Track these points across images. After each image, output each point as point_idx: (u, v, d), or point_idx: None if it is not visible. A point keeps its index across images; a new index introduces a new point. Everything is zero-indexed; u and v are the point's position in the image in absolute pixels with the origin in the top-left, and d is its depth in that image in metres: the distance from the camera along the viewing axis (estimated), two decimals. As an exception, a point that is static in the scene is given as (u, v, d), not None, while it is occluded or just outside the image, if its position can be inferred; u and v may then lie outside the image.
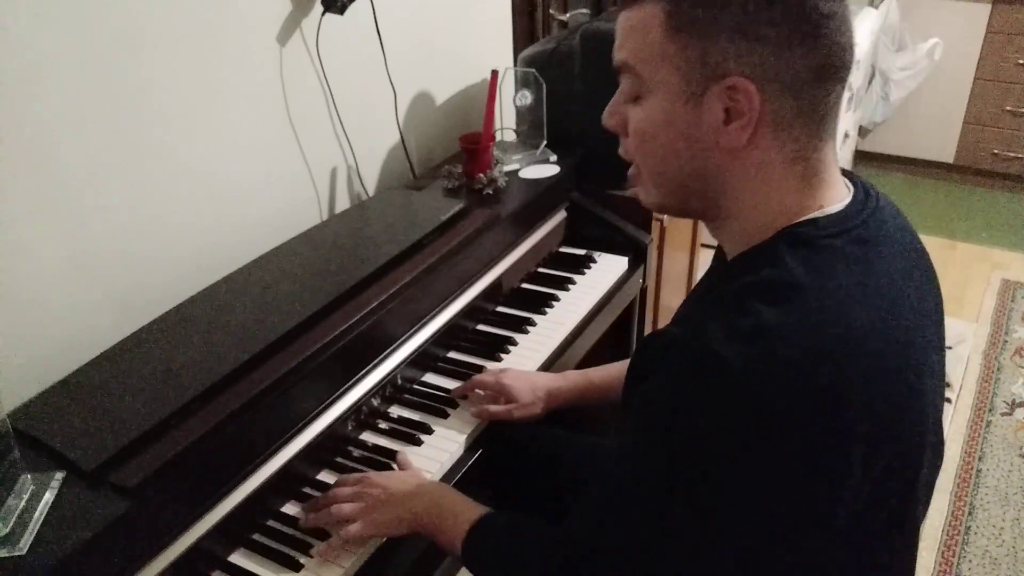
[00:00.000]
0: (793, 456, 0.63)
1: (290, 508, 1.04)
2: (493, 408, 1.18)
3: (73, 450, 0.90)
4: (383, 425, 1.18)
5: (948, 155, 3.55)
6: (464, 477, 1.12)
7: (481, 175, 1.55)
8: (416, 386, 1.26)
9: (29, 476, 0.88)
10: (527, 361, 1.32)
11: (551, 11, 2.25)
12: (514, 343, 1.36)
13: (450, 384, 1.25)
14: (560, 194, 1.65)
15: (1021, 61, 3.25)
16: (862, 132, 3.63)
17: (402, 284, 1.21)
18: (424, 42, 1.70)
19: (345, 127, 1.54)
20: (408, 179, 1.71)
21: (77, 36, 1.06)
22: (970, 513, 1.95)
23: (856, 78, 2.98)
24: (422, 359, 1.27)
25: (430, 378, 1.28)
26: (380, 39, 1.53)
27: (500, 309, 1.45)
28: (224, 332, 1.09)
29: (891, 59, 3.30)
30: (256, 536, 1.00)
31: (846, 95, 0.93)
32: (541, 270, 1.59)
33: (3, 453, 0.88)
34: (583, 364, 1.37)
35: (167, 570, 0.89)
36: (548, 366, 1.34)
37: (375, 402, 1.18)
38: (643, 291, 1.72)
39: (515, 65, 1.81)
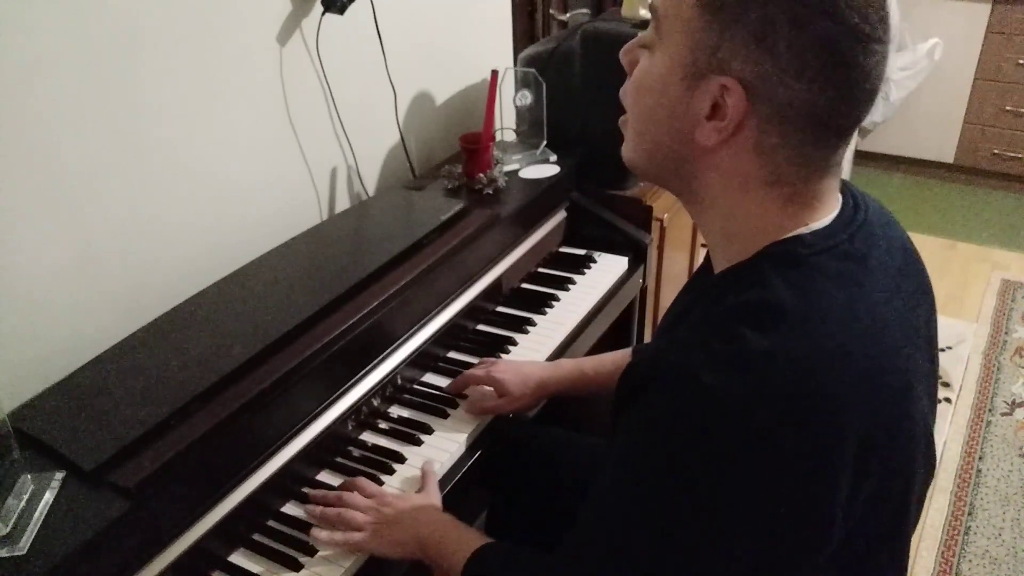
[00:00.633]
0: (784, 486, 0.62)
1: (290, 508, 1.04)
2: (485, 404, 1.18)
3: (73, 450, 0.90)
4: (383, 425, 1.18)
5: (948, 155, 3.55)
6: (464, 477, 1.12)
7: (481, 175, 1.55)
8: (416, 386, 1.26)
9: (29, 476, 0.88)
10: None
11: (551, 11, 2.25)
12: (514, 343, 1.36)
13: (450, 384, 1.25)
14: (560, 194, 1.65)
15: (1021, 61, 3.25)
16: (862, 132, 3.63)
17: (402, 284, 1.21)
18: (424, 42, 1.70)
19: (345, 127, 1.54)
20: (408, 179, 1.71)
21: (77, 36, 1.06)
22: (970, 513, 1.95)
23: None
24: (422, 359, 1.27)
25: (430, 378, 1.28)
26: (380, 39, 1.53)
27: (500, 309, 1.46)
28: (224, 332, 1.09)
29: (891, 59, 3.30)
30: (256, 536, 1.00)
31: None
32: (541, 270, 1.59)
33: (3, 453, 0.88)
34: (583, 364, 1.36)
35: (167, 570, 0.89)
36: (548, 366, 1.33)
37: (375, 402, 1.18)
38: (643, 291, 1.72)
39: (515, 65, 1.81)
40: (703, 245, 2.13)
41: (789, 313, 0.63)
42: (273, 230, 1.38)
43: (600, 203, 1.67)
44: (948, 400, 2.31)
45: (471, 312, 1.38)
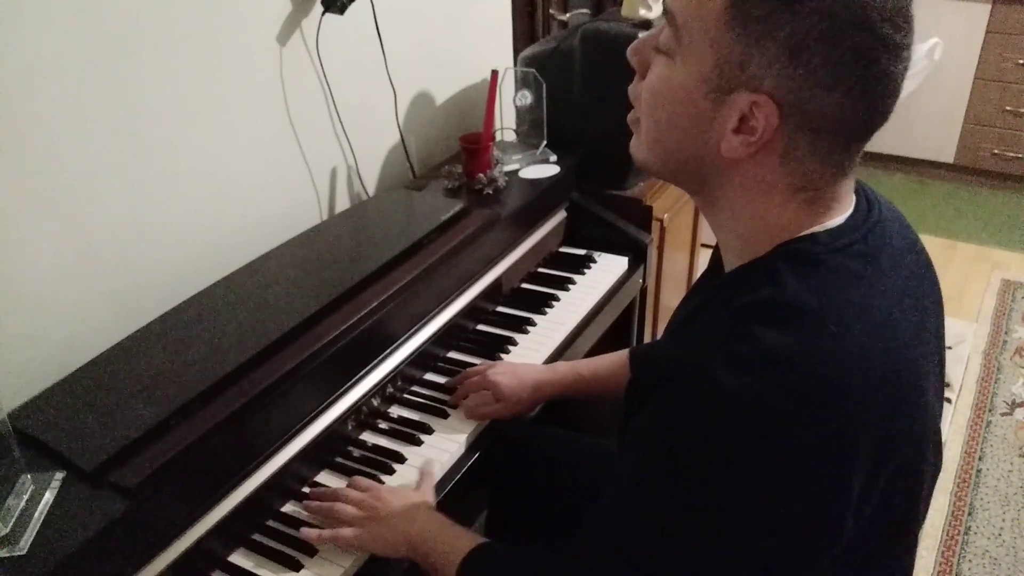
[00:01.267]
0: (802, 485, 0.62)
1: (290, 508, 1.04)
2: (482, 409, 1.18)
3: (73, 450, 0.90)
4: (383, 425, 1.18)
5: (948, 155, 3.55)
6: (464, 477, 1.12)
7: (481, 175, 1.55)
8: (416, 386, 1.26)
9: (29, 476, 0.88)
10: (527, 361, 1.31)
11: (551, 11, 2.25)
12: (514, 343, 1.36)
13: (450, 384, 1.25)
14: (560, 194, 1.65)
15: (1021, 61, 3.25)
16: (862, 132, 3.62)
17: (402, 284, 1.21)
18: (424, 42, 1.70)
19: (345, 127, 1.54)
20: (408, 179, 1.72)
21: (77, 36, 1.06)
22: (970, 513, 1.95)
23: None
24: (422, 359, 1.27)
25: (430, 378, 1.28)
26: (380, 39, 1.53)
27: (500, 309, 1.46)
28: (224, 332, 1.09)
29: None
30: (256, 536, 1.00)
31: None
32: (541, 270, 1.59)
33: (3, 453, 0.88)
34: (583, 364, 1.36)
35: (167, 570, 0.89)
36: (548, 366, 1.33)
37: (375, 402, 1.18)
38: (643, 291, 1.72)
39: (515, 65, 1.81)
40: (704, 245, 2.13)
41: (806, 312, 0.63)
42: (273, 230, 1.38)
43: (600, 203, 1.67)
44: (948, 400, 2.31)
45: (471, 312, 1.38)
